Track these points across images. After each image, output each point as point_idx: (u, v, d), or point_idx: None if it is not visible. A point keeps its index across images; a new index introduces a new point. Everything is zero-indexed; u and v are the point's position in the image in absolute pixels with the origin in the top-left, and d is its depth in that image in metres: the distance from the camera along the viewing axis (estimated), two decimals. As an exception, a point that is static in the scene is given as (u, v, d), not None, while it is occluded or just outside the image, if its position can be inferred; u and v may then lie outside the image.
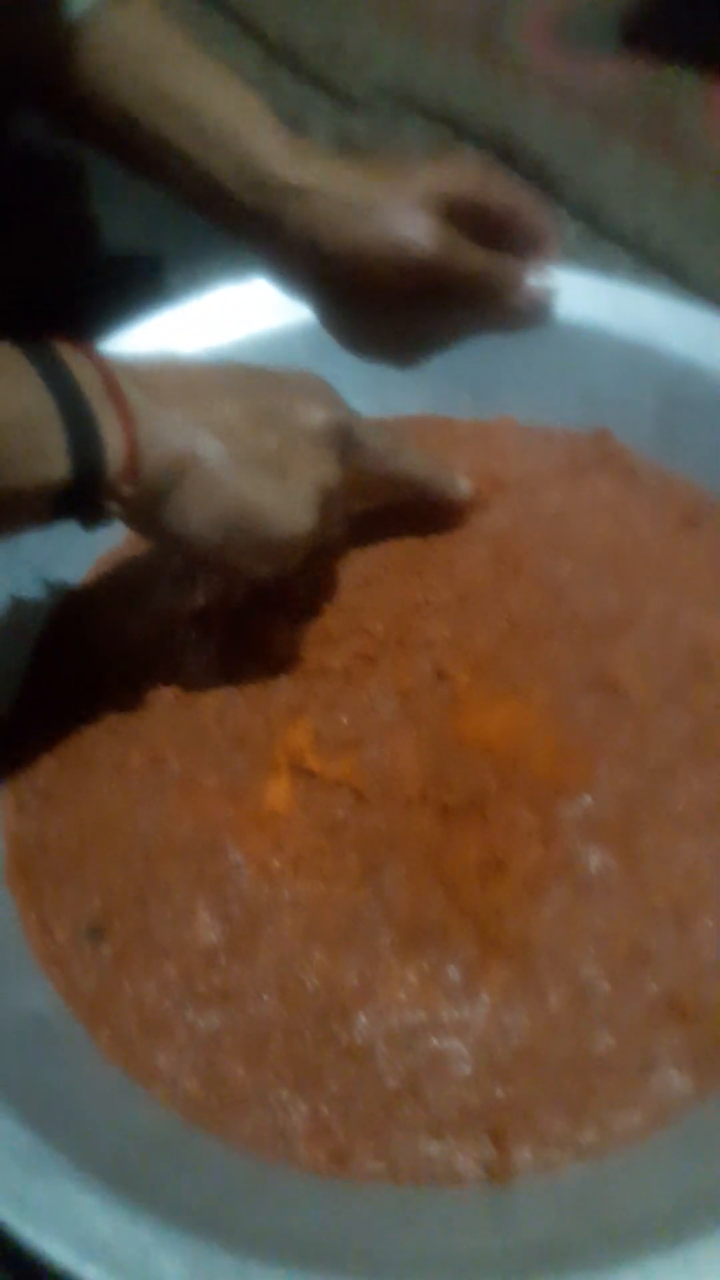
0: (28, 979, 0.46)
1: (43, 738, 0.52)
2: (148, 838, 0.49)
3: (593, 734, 0.50)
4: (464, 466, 0.60)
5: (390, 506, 0.58)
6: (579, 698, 0.51)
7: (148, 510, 0.46)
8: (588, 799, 0.48)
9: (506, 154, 0.89)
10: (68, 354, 0.44)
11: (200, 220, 0.59)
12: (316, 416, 0.49)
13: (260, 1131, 0.42)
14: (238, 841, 0.48)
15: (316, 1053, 0.43)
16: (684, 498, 0.60)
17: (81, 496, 0.43)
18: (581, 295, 0.62)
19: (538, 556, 0.57)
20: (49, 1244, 0.36)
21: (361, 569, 0.56)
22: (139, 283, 0.74)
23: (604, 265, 0.78)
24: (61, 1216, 0.37)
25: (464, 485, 0.58)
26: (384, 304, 0.59)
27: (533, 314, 0.61)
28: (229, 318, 0.64)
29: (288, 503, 0.47)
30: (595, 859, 0.47)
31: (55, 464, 0.42)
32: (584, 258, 0.80)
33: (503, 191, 0.59)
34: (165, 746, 0.51)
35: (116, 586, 0.58)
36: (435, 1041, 0.44)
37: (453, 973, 0.45)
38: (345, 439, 0.51)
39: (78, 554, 0.58)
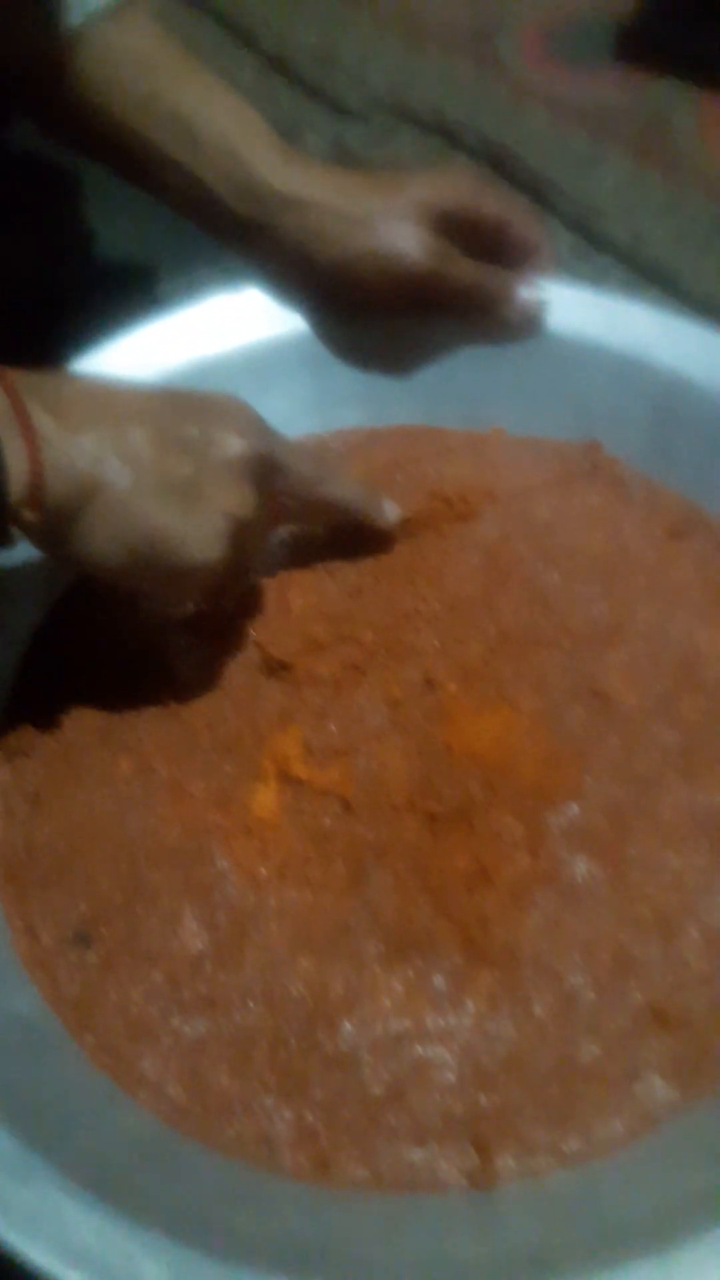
0: (13, 984, 0.46)
1: (31, 743, 0.52)
2: (135, 844, 0.49)
3: (581, 744, 0.50)
4: (455, 476, 0.61)
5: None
6: (567, 708, 0.52)
7: (53, 534, 0.45)
8: (575, 808, 0.48)
9: (500, 165, 0.90)
10: None
11: (194, 230, 0.59)
12: (233, 445, 0.48)
13: (245, 1138, 0.42)
14: (225, 849, 0.48)
15: (302, 1060, 0.43)
16: (673, 509, 0.60)
17: None
18: (573, 307, 0.62)
19: (527, 567, 0.57)
20: (32, 1249, 0.36)
21: (352, 578, 0.56)
22: (132, 291, 0.74)
23: (596, 277, 0.78)
24: (45, 1222, 0.37)
25: (392, 513, 0.57)
26: (376, 314, 0.59)
27: (524, 326, 0.61)
28: (222, 327, 0.64)
29: (196, 531, 0.47)
30: (582, 868, 0.47)
31: None
32: (576, 269, 0.80)
33: (496, 203, 0.60)
34: (154, 753, 0.51)
35: (106, 593, 0.58)
36: (420, 1049, 0.44)
37: (438, 981, 0.45)
38: (264, 468, 0.50)
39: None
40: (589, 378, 0.62)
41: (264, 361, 0.63)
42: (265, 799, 0.49)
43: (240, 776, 0.50)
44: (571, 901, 0.46)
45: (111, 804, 0.50)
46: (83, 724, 0.53)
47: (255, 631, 0.55)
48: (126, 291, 0.74)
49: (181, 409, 0.49)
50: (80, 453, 0.45)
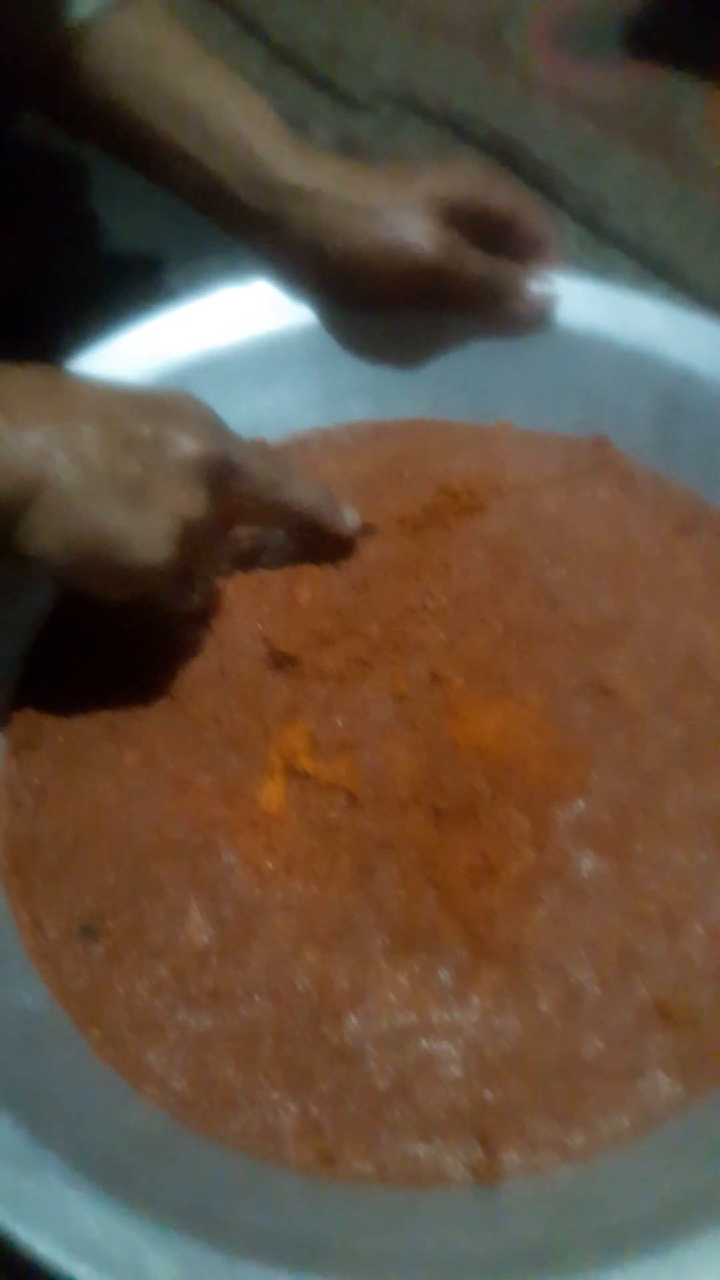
0: (19, 977, 0.46)
1: (38, 736, 0.52)
2: (141, 837, 0.49)
3: (587, 739, 0.50)
4: (462, 470, 0.61)
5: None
6: (573, 703, 0.52)
7: None
8: (581, 804, 0.48)
9: (508, 158, 0.90)
10: None
11: (202, 221, 0.59)
12: (186, 446, 0.48)
13: (250, 1131, 0.42)
14: (231, 842, 0.48)
15: (307, 1054, 0.44)
16: (680, 505, 0.60)
17: None
18: (581, 301, 0.62)
19: (534, 561, 0.57)
20: (38, 1241, 0.36)
21: (358, 572, 0.56)
22: (140, 283, 0.74)
23: (604, 271, 0.78)
24: (51, 1215, 0.37)
25: (351, 518, 0.56)
26: (385, 307, 0.59)
27: (532, 319, 0.61)
28: (230, 319, 0.64)
29: (143, 531, 0.47)
30: (587, 864, 0.47)
31: None
32: (584, 263, 0.80)
33: (504, 196, 0.60)
34: (160, 747, 0.51)
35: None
36: (425, 1044, 0.44)
37: (443, 976, 0.45)
38: (218, 470, 0.49)
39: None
40: (596, 372, 0.62)
41: (272, 354, 0.63)
42: (271, 793, 0.49)
43: (246, 770, 0.50)
44: (577, 897, 0.46)
45: (117, 797, 0.50)
46: (89, 717, 0.53)
47: (262, 625, 0.54)
48: (134, 283, 0.73)
49: (136, 408, 0.48)
50: (26, 449, 0.44)
